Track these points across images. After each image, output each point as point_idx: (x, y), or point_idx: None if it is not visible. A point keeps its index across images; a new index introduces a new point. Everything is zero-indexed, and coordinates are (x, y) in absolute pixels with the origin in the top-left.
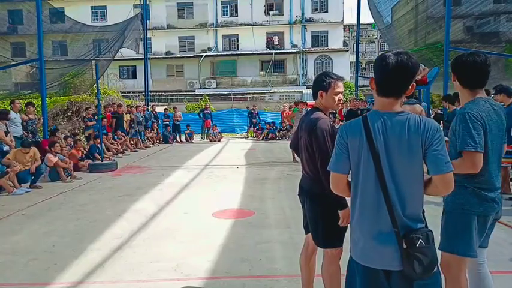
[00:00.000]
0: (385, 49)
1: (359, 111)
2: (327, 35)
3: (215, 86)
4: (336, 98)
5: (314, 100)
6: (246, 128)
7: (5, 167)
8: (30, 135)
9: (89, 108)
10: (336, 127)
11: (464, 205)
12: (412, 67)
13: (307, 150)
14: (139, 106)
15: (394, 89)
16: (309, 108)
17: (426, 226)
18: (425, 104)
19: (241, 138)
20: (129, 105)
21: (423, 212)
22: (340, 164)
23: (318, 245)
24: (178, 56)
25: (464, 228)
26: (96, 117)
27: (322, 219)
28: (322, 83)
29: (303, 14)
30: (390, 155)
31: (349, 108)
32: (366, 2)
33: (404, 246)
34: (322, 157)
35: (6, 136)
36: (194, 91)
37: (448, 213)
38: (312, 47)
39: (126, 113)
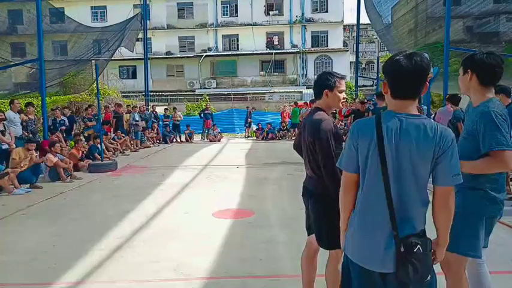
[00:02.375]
0: (385, 49)
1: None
2: (327, 35)
3: (215, 86)
4: (341, 96)
5: (317, 100)
6: (244, 128)
7: (5, 167)
8: (30, 135)
9: (89, 108)
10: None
11: (474, 207)
12: (426, 67)
13: (311, 151)
14: (135, 107)
15: (411, 91)
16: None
17: (425, 233)
18: (426, 107)
19: (241, 138)
20: (129, 105)
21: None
22: (349, 161)
23: (322, 247)
24: (178, 56)
25: (472, 230)
26: (96, 117)
27: (326, 220)
28: (327, 81)
29: (303, 14)
30: (399, 157)
31: (356, 108)
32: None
33: (402, 249)
34: (325, 158)
35: (5, 136)
36: (194, 91)
37: (456, 213)
38: (312, 47)
39: (126, 113)
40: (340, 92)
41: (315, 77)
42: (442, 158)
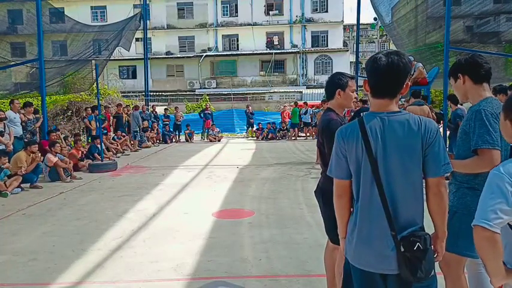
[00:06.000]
0: (386, 49)
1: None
2: (327, 35)
3: (215, 86)
4: (353, 95)
5: (329, 100)
6: (245, 128)
7: (9, 171)
8: (28, 135)
9: (88, 108)
10: None
11: (470, 206)
12: (403, 67)
13: (319, 149)
14: (137, 106)
15: (387, 90)
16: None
17: (423, 229)
18: (430, 105)
19: (241, 138)
20: (128, 105)
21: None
22: (338, 169)
23: (332, 241)
24: (178, 56)
25: (470, 230)
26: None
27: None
28: (340, 81)
29: (303, 14)
30: (388, 156)
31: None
32: (366, 2)
33: (402, 249)
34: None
35: (3, 136)
36: (194, 91)
37: (452, 213)
38: (312, 47)
39: (126, 113)
40: (352, 91)
41: (327, 78)
42: (430, 149)
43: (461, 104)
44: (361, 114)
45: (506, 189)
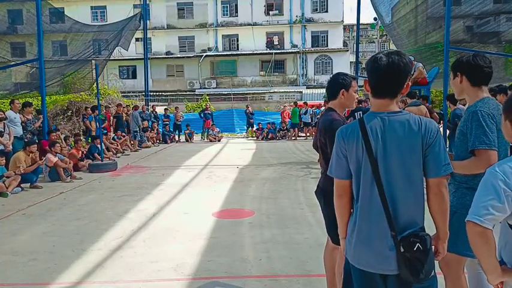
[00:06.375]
0: (386, 49)
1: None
2: (327, 35)
3: (215, 86)
4: (355, 96)
5: (331, 100)
6: (245, 128)
7: (6, 170)
8: (28, 135)
9: (88, 108)
10: None
11: (469, 206)
12: (404, 66)
13: (322, 149)
14: (137, 106)
15: (388, 90)
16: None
17: (424, 229)
18: (430, 106)
19: (241, 138)
20: (128, 105)
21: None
22: (339, 169)
23: (332, 241)
24: (178, 56)
25: None
26: (96, 111)
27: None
28: (344, 82)
29: (303, 14)
30: (389, 156)
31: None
32: (366, 2)
33: (402, 249)
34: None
35: (3, 136)
36: (194, 91)
37: (452, 213)
38: (312, 47)
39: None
40: (355, 92)
41: (329, 77)
42: (430, 149)
43: (464, 105)
44: (356, 114)
45: (499, 186)
